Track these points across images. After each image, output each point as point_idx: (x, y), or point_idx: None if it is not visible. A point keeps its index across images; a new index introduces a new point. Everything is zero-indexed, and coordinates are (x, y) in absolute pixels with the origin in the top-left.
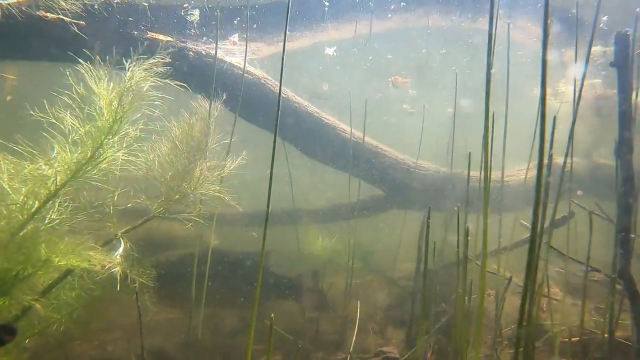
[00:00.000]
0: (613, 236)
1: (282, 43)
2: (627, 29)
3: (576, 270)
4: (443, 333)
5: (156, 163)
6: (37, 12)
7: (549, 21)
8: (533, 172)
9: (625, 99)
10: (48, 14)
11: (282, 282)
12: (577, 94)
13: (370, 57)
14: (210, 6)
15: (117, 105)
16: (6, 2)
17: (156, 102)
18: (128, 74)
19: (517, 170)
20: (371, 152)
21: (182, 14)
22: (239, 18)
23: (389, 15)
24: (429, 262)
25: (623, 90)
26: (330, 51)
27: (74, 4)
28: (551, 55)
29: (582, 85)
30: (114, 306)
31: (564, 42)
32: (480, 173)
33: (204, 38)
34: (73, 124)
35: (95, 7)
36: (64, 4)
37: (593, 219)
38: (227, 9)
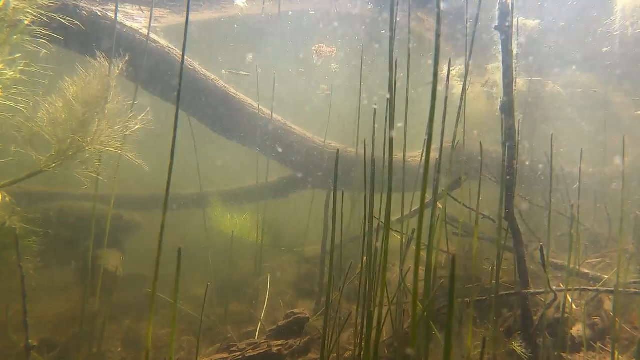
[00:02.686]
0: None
1: (187, 13)
2: None
3: (468, 232)
4: (350, 299)
5: (45, 120)
6: None
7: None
8: (433, 155)
9: (507, 57)
10: None
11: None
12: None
13: (291, 18)
14: None
15: None
16: None
17: (42, 40)
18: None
19: (418, 152)
20: (280, 130)
21: None
22: None
23: None
24: (335, 236)
25: (505, 50)
26: (240, 2)
27: None
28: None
29: (467, 71)
30: None
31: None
32: (384, 154)
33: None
34: None
35: None
36: None
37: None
38: None
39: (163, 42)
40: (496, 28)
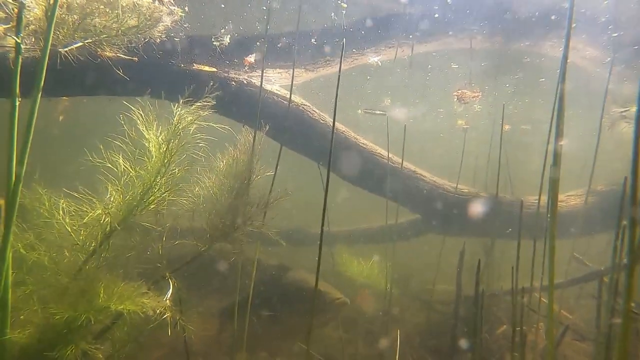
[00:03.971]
0: None
1: (321, 69)
2: None
3: None
4: None
5: (201, 197)
6: (97, 52)
7: None
8: (590, 199)
9: None
10: (106, 53)
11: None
12: None
13: (429, 66)
14: (247, 36)
15: (165, 149)
16: (63, 49)
17: (201, 145)
18: (175, 118)
19: (566, 196)
20: (409, 177)
21: (212, 40)
22: (279, 44)
23: (429, 41)
24: (469, 289)
25: None
26: (374, 61)
27: (118, 50)
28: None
29: None
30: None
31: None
32: (539, 197)
33: (245, 68)
34: (125, 167)
35: (139, 47)
36: (108, 51)
37: None
38: (266, 36)
39: (297, 99)
40: None
